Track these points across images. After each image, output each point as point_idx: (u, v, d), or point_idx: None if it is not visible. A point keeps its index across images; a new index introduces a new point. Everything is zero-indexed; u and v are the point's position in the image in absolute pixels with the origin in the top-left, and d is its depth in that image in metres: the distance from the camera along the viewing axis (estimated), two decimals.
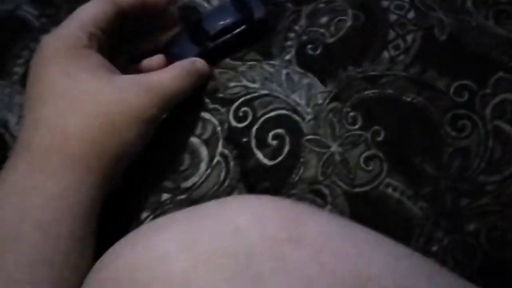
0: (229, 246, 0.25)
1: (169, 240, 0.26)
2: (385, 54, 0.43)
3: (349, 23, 0.44)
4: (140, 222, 0.38)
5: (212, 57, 0.42)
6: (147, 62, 0.42)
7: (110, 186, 0.35)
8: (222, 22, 0.41)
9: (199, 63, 0.40)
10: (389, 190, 0.38)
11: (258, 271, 0.24)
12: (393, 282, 0.26)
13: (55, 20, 0.47)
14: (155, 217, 0.39)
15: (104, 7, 0.37)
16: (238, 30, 0.41)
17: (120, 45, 0.41)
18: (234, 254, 0.25)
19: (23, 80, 0.44)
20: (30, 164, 0.32)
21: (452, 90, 0.41)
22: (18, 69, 0.45)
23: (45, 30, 0.47)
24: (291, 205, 0.30)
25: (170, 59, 0.42)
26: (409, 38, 0.43)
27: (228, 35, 0.41)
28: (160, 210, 0.39)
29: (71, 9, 0.47)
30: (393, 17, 0.44)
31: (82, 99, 0.33)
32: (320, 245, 0.26)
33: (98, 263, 0.27)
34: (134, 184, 0.39)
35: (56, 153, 0.32)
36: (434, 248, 0.37)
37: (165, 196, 0.39)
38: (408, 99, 0.41)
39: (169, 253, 0.25)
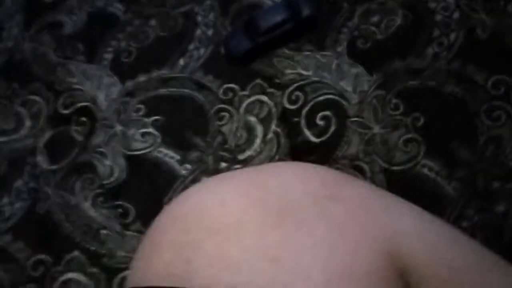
0: (277, 197, 0.30)
1: (228, 189, 0.31)
2: (429, 50, 0.47)
3: (398, 22, 0.48)
4: None
5: (264, 49, 0.48)
6: None
7: None
8: (272, 19, 0.46)
9: None
10: (425, 170, 0.42)
11: (301, 217, 0.29)
12: (418, 239, 0.30)
13: (139, 15, 0.54)
14: None
15: None
16: (286, 26, 0.47)
17: None
18: (280, 204, 0.29)
19: (112, 64, 0.51)
20: None
21: (489, 83, 0.44)
22: (108, 56, 0.52)
23: (130, 23, 0.54)
24: (331, 171, 0.35)
25: (227, 51, 0.48)
26: (452, 36, 0.47)
27: (277, 31, 0.47)
28: None
29: (152, 6, 0.55)
30: (438, 17, 0.48)
31: None
32: (354, 204, 0.30)
33: (168, 206, 0.33)
34: None
35: None
36: (464, 224, 0.40)
37: (223, 165, 0.45)
38: (448, 90, 0.44)
39: (228, 199, 0.30)
